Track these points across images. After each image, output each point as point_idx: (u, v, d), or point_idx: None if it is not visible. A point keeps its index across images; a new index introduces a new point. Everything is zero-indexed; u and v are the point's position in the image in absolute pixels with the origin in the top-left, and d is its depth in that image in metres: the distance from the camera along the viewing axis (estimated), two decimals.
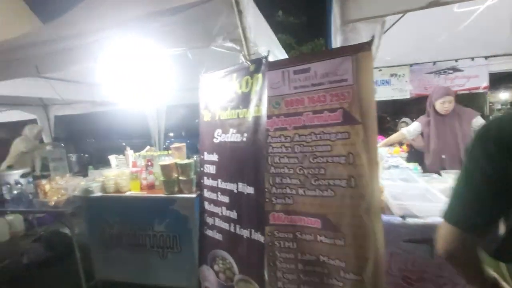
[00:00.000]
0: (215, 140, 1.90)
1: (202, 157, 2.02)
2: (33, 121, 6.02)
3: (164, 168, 2.04)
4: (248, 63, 1.65)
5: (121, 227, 2.21)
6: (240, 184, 1.72)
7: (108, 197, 2.19)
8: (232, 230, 1.77)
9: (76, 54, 2.07)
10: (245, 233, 1.68)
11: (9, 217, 3.67)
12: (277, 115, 1.64)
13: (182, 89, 5.20)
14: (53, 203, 2.28)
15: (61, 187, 2.39)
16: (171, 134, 12.16)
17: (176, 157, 2.18)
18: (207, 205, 1.97)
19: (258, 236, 1.60)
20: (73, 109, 5.91)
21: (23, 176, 2.60)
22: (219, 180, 1.87)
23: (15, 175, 2.59)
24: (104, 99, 4.76)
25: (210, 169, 1.94)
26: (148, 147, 2.49)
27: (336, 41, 2.01)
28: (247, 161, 1.67)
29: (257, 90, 1.61)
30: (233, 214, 1.76)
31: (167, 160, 2.12)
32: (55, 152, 2.75)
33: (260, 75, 1.59)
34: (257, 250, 1.61)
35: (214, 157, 1.90)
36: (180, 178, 2.03)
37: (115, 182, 2.21)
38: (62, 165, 2.75)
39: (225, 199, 1.83)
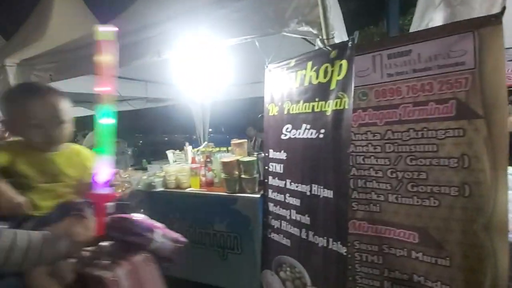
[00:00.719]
0: (283, 137, 1.73)
1: (266, 154, 1.87)
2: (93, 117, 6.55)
3: (226, 165, 1.94)
4: (329, 48, 1.44)
5: (181, 223, 2.18)
6: (314, 186, 1.53)
7: (169, 192, 2.17)
8: (304, 236, 1.59)
9: (140, 49, 2.05)
10: (320, 241, 1.50)
11: None
12: (363, 108, 1.40)
13: (228, 84, 5.19)
14: (118, 195, 2.34)
15: (125, 180, 2.45)
16: (210, 130, 12.45)
17: (237, 154, 2.07)
18: (272, 207, 1.82)
19: (337, 247, 1.41)
20: (126, 106, 6.30)
21: None
22: (288, 181, 1.70)
23: None
24: (156, 95, 4.94)
25: (277, 168, 1.78)
26: (205, 143, 2.42)
27: (427, 21, 1.69)
28: (324, 160, 1.47)
29: (339, 79, 1.40)
30: (305, 219, 1.59)
31: (229, 157, 2.01)
32: (118, 146, 2.84)
33: (344, 62, 1.37)
34: (336, 262, 1.42)
35: (282, 155, 1.74)
36: (243, 176, 1.91)
37: (175, 178, 2.18)
38: (124, 158, 2.84)
39: (294, 201, 1.66)
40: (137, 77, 4.44)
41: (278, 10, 1.57)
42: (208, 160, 2.18)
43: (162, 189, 2.18)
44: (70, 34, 3.27)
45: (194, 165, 2.17)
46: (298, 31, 1.55)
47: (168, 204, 2.22)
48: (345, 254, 1.37)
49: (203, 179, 2.20)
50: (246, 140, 2.08)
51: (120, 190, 2.37)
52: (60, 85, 2.75)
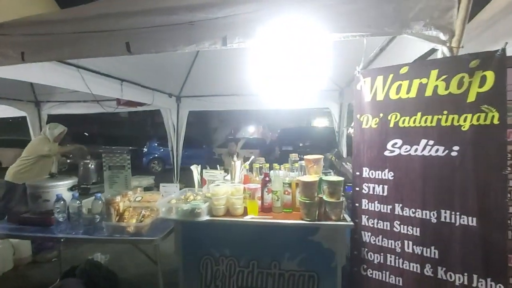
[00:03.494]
0: (387, 153, 1.49)
1: (357, 173, 1.58)
2: (23, 119, 5.15)
3: (307, 186, 1.56)
4: (467, 57, 1.30)
5: (231, 262, 1.65)
6: (445, 212, 1.31)
7: (218, 222, 1.63)
8: (429, 273, 1.34)
9: (197, 32, 1.57)
10: (458, 278, 1.26)
11: (14, 240, 2.85)
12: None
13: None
14: (131, 228, 1.66)
15: (141, 205, 1.77)
16: (157, 143, 11.40)
17: (312, 172, 1.71)
18: (368, 237, 1.52)
19: (487, 285, 1.20)
20: (68, 109, 5.18)
21: (72, 189, 1.93)
22: (397, 205, 1.44)
23: (60, 187, 1.91)
24: (131, 98, 4.12)
25: (376, 189, 1.51)
26: (252, 157, 1.97)
27: None
28: (461, 181, 1.28)
29: (482, 91, 1.25)
30: (430, 252, 1.34)
31: (308, 177, 1.64)
32: (115, 158, 2.09)
33: (489, 73, 1.24)
34: None
35: (386, 175, 1.48)
36: (327, 199, 1.56)
37: (226, 202, 1.67)
38: (124, 175, 2.10)
39: (410, 230, 1.40)
40: (113, 73, 3.65)
41: (400, 9, 1.38)
42: (268, 179, 1.75)
43: (208, 217, 1.63)
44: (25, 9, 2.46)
45: (253, 185, 1.71)
46: (423, 35, 1.38)
47: (213, 237, 1.68)
48: None
49: (258, 202, 1.75)
50: (323, 156, 1.74)
51: (134, 221, 1.73)
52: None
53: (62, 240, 1.68)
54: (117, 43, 1.68)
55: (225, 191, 1.70)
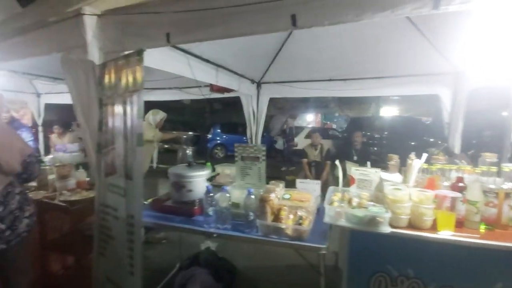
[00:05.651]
0: None
1: None
2: None
3: None
4: None
5: (415, 285, 1.35)
6: None
7: (403, 236, 1.32)
8: None
9: None
10: None
11: None
12: None
13: None
14: (291, 231, 1.45)
15: (295, 205, 1.56)
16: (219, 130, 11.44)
17: None
18: None
19: None
20: (152, 96, 5.35)
21: (210, 179, 1.82)
22: None
23: (200, 177, 1.81)
24: (223, 84, 4.01)
25: None
26: (433, 149, 1.60)
27: None
28: None
29: None
30: None
31: None
32: (248, 148, 1.92)
33: None
34: None
35: None
36: None
37: (412, 212, 1.34)
38: (258, 167, 1.91)
39: None
40: (211, 59, 3.55)
41: None
42: (462, 184, 1.36)
43: (390, 229, 1.33)
44: None
45: (450, 193, 1.34)
46: None
47: (391, 252, 1.38)
48: None
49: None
50: None
51: (291, 222, 1.52)
52: None
53: (214, 235, 1.57)
54: (281, 16, 1.42)
55: (408, 198, 1.36)
